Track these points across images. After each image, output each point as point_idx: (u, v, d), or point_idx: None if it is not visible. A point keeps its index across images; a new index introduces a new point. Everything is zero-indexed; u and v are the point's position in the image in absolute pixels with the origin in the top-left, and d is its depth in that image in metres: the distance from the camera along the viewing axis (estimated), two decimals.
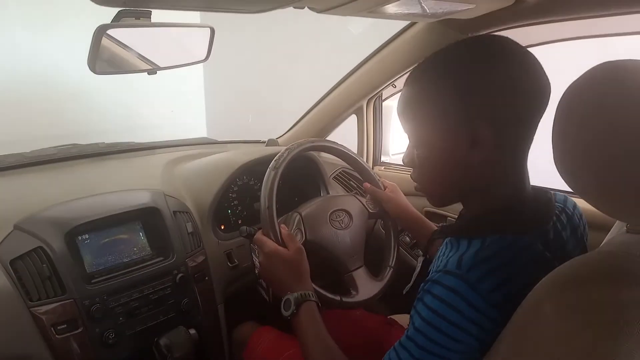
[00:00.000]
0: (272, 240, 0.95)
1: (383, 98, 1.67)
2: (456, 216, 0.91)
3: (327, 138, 1.68)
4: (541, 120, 0.68)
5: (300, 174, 1.41)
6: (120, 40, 0.98)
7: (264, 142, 1.78)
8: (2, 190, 1.17)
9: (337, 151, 1.17)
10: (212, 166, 1.36)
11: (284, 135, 1.80)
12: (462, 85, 0.65)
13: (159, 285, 1.05)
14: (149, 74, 1.07)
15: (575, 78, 0.57)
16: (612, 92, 0.53)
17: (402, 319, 1.21)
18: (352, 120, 1.69)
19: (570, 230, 0.75)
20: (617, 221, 0.74)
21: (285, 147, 1.05)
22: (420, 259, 0.99)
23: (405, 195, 1.18)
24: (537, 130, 0.69)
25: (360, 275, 1.08)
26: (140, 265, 1.05)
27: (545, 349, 0.52)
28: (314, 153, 1.42)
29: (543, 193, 0.73)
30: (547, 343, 0.52)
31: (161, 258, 1.09)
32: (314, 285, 0.93)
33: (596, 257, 0.58)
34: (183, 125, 4.09)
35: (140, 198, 1.12)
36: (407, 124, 0.74)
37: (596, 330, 0.49)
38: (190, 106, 4.49)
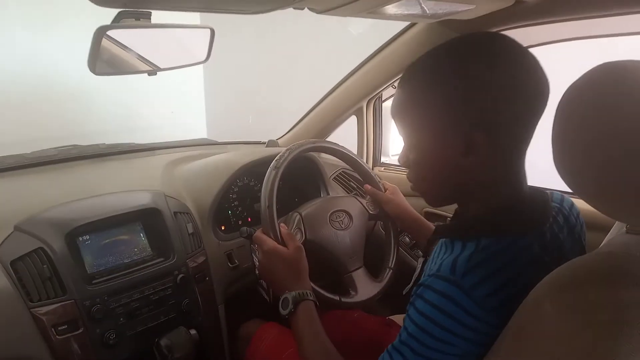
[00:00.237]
0: (272, 239, 0.95)
1: (383, 99, 1.67)
2: None
3: (327, 139, 1.68)
4: (541, 120, 0.67)
5: (301, 174, 1.41)
6: (120, 41, 0.99)
7: (264, 143, 1.78)
8: (3, 191, 1.17)
9: (338, 152, 1.17)
10: (213, 167, 1.36)
11: (284, 136, 1.80)
12: (456, 91, 0.63)
13: (160, 285, 1.05)
14: (149, 75, 1.07)
15: (575, 79, 0.57)
16: (612, 92, 0.53)
17: (401, 319, 1.20)
18: (351, 121, 1.69)
19: (567, 231, 0.74)
20: (617, 222, 0.74)
21: (286, 148, 1.05)
22: (421, 260, 0.99)
23: (405, 196, 1.18)
24: (538, 130, 0.68)
25: (360, 276, 1.08)
26: (141, 266, 1.05)
27: (545, 349, 0.52)
28: (314, 154, 1.42)
29: (540, 194, 0.72)
30: (547, 343, 0.52)
31: (162, 259, 1.09)
32: (313, 285, 0.93)
33: (596, 257, 0.58)
34: (183, 126, 4.10)
35: (141, 199, 1.12)
36: (400, 127, 0.73)
37: (596, 330, 0.49)
38: (190, 107, 4.50)
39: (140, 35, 1.00)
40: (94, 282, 0.97)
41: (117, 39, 0.97)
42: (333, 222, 1.09)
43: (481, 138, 0.63)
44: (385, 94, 1.63)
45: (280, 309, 0.88)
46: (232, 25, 3.47)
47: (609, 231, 0.76)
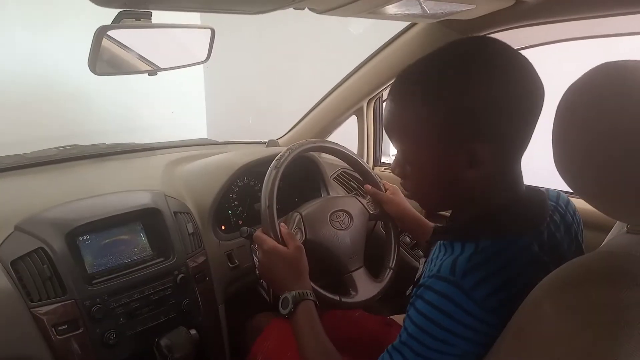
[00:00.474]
0: (272, 238, 0.95)
1: (383, 99, 1.67)
2: None
3: (327, 139, 1.68)
4: (541, 120, 0.67)
5: (301, 174, 1.41)
6: (121, 41, 0.99)
7: (264, 143, 1.78)
8: (3, 191, 1.17)
9: (338, 152, 1.17)
10: (213, 167, 1.36)
11: (285, 136, 1.80)
12: (453, 103, 0.62)
13: (160, 285, 1.05)
14: (149, 75, 1.07)
15: (575, 78, 0.57)
16: (613, 92, 0.53)
17: (402, 319, 1.20)
18: (351, 122, 1.69)
19: (564, 229, 0.74)
20: (617, 222, 0.74)
21: (286, 148, 1.05)
22: (422, 261, 0.99)
23: (405, 196, 1.18)
24: (538, 131, 0.68)
25: (360, 276, 1.08)
26: (141, 266, 1.05)
27: (545, 349, 0.52)
28: (315, 154, 1.42)
29: (537, 193, 0.72)
30: (547, 343, 0.52)
31: (162, 259, 1.09)
32: (313, 285, 0.93)
33: (596, 257, 0.58)
34: (183, 126, 4.09)
35: (141, 199, 1.12)
36: (395, 141, 0.71)
37: (596, 330, 0.49)
38: (190, 107, 4.49)
39: (140, 36, 1.00)
40: (94, 282, 0.97)
41: (118, 39, 0.97)
42: (333, 222, 1.09)
43: (484, 150, 0.62)
44: (385, 94, 1.63)
45: (280, 308, 0.88)
46: (232, 25, 3.47)
47: (609, 231, 0.76)
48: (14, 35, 3.27)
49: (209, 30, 1.10)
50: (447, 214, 1.37)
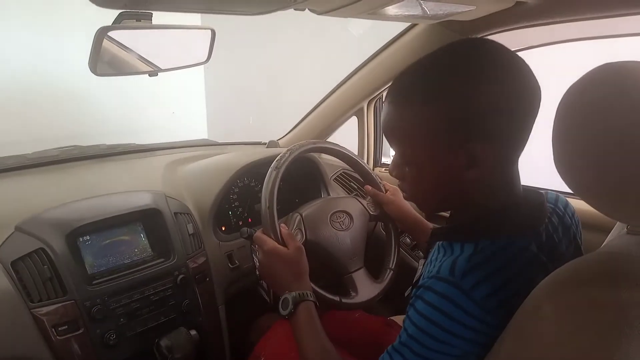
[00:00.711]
0: (272, 239, 0.95)
1: (384, 100, 1.66)
2: None
3: (328, 140, 1.68)
4: (541, 121, 0.67)
5: (301, 175, 1.41)
6: (121, 42, 0.99)
7: (264, 143, 1.78)
8: (3, 192, 1.17)
9: (339, 153, 1.17)
10: (213, 168, 1.36)
11: (285, 137, 1.80)
12: (450, 105, 0.62)
13: (160, 286, 1.05)
14: (149, 75, 1.07)
15: (575, 79, 0.57)
16: (613, 93, 0.53)
17: (402, 320, 1.20)
18: (351, 123, 1.69)
19: (563, 231, 0.74)
20: (618, 222, 0.74)
21: (286, 148, 1.05)
22: (422, 261, 0.99)
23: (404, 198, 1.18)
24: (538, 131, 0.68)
25: (360, 277, 1.08)
26: (141, 267, 1.05)
27: (545, 349, 0.52)
28: (315, 154, 1.42)
29: (535, 195, 0.72)
30: (547, 344, 0.52)
31: (162, 259, 1.09)
32: (313, 286, 0.93)
33: (596, 258, 0.58)
34: (184, 126, 4.10)
35: (141, 199, 1.12)
36: (393, 142, 0.71)
37: (596, 331, 0.49)
38: (191, 108, 4.50)
39: (141, 36, 1.00)
40: (94, 282, 0.97)
41: (118, 40, 0.97)
42: (334, 222, 1.09)
43: (484, 151, 0.62)
44: (385, 95, 1.62)
45: (281, 309, 0.88)
46: (233, 26, 3.48)
47: (609, 232, 0.76)
48: (15, 35, 3.28)
49: (209, 31, 1.10)
50: (447, 214, 1.38)
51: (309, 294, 0.88)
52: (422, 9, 0.95)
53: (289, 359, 1.06)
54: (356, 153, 1.23)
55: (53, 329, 0.90)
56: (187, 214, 1.18)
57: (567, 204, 0.78)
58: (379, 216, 1.18)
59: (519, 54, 0.64)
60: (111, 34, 0.92)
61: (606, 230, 0.76)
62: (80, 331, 0.93)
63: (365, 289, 1.06)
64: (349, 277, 1.07)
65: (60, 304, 0.91)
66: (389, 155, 1.82)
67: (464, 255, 0.64)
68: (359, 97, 1.57)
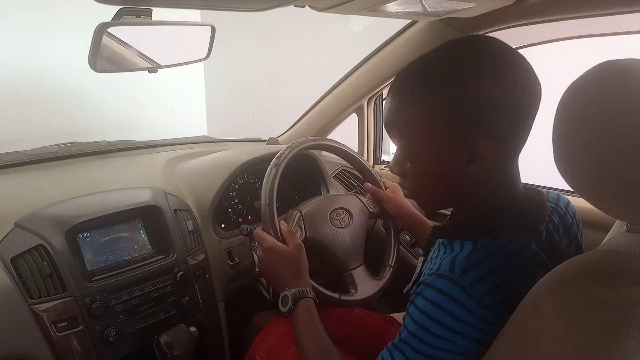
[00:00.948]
0: (272, 236, 0.95)
1: (384, 97, 1.66)
2: None
3: (328, 137, 1.68)
4: (541, 119, 0.67)
5: (301, 172, 1.41)
6: (121, 38, 0.98)
7: (264, 140, 1.78)
8: (3, 188, 1.17)
9: (339, 150, 1.17)
10: (213, 164, 1.36)
11: (285, 134, 1.80)
12: (453, 99, 0.62)
13: (160, 283, 1.05)
14: (149, 72, 1.07)
15: (575, 77, 0.57)
16: (613, 91, 0.53)
17: (402, 317, 1.20)
18: (350, 120, 1.68)
19: (563, 230, 0.74)
20: (617, 220, 0.74)
21: (286, 145, 1.05)
22: (421, 259, 0.99)
23: (404, 196, 1.18)
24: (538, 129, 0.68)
25: (360, 274, 1.08)
26: (141, 263, 1.05)
27: (544, 347, 0.52)
28: (315, 152, 1.42)
29: (536, 193, 0.72)
30: (547, 342, 0.52)
31: (162, 256, 1.09)
32: (312, 283, 0.93)
33: (596, 256, 0.58)
34: (183, 123, 4.09)
35: (141, 196, 1.12)
36: (395, 137, 0.71)
37: (596, 329, 0.49)
38: (190, 105, 4.49)
39: (140, 33, 1.00)
40: (94, 279, 0.97)
41: (118, 36, 0.97)
42: (333, 220, 1.09)
43: (484, 145, 0.63)
44: (386, 92, 1.62)
45: (280, 306, 0.88)
46: (233, 22, 3.47)
47: (609, 230, 0.76)
48: (15, 32, 3.27)
49: (209, 28, 1.10)
50: (447, 212, 1.38)
51: (308, 291, 0.89)
52: (423, 5, 0.94)
53: (286, 357, 1.06)
54: (356, 150, 1.23)
55: (53, 326, 0.90)
56: (187, 210, 1.17)
57: (568, 203, 0.78)
58: (379, 213, 1.18)
59: (520, 51, 0.65)
60: (111, 30, 0.92)
61: (606, 228, 0.76)
62: (80, 328, 0.93)
63: (365, 286, 1.06)
64: (349, 274, 1.07)
65: (59, 301, 0.91)
66: (388, 152, 1.82)
67: (463, 252, 0.64)
68: (359, 94, 1.57)
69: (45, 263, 0.92)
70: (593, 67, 0.56)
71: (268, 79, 3.96)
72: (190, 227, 1.15)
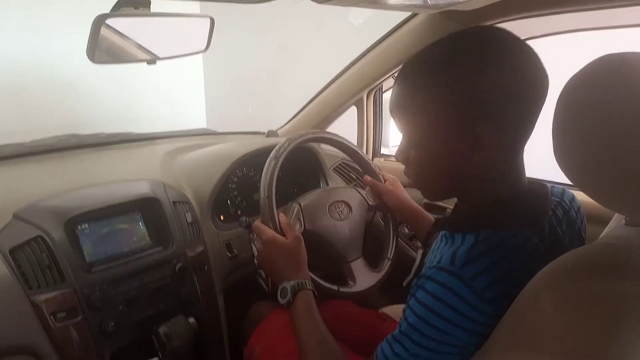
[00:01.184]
0: (271, 229, 0.95)
1: (383, 90, 1.66)
2: None
3: (327, 130, 1.68)
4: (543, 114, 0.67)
5: (300, 165, 1.41)
6: (119, 29, 0.98)
7: (263, 133, 1.78)
8: (1, 180, 1.17)
9: (338, 143, 1.17)
10: (212, 157, 1.36)
11: (284, 127, 1.79)
12: (459, 86, 0.62)
13: (159, 274, 1.05)
14: (148, 63, 1.07)
15: (576, 71, 0.57)
16: (613, 84, 0.53)
17: (397, 310, 1.21)
18: (349, 113, 1.68)
19: (567, 225, 0.74)
20: (616, 214, 0.74)
21: (286, 138, 1.05)
22: (420, 252, 1.00)
23: (404, 187, 1.18)
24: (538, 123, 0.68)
25: (358, 266, 1.08)
26: (140, 255, 1.05)
27: (542, 340, 0.52)
28: (314, 144, 1.42)
29: (539, 187, 0.72)
30: (545, 335, 0.52)
31: (160, 248, 1.09)
32: (311, 275, 0.94)
33: (594, 249, 0.58)
34: (182, 115, 4.08)
35: (140, 188, 1.12)
36: (401, 124, 0.71)
37: (594, 322, 0.50)
38: (189, 97, 4.48)
39: (139, 24, 1.00)
40: (93, 270, 0.98)
41: (116, 28, 0.96)
42: (332, 212, 1.09)
43: (489, 133, 0.63)
44: (385, 85, 1.62)
45: (279, 298, 0.88)
46: (232, 14, 3.45)
47: (607, 223, 0.76)
48: (13, 24, 3.25)
49: (208, 19, 1.09)
50: (446, 205, 1.38)
51: (307, 283, 0.89)
52: None
53: (284, 352, 1.06)
54: (355, 143, 1.23)
55: (52, 316, 0.90)
56: (186, 202, 1.17)
57: (573, 198, 0.78)
58: (378, 206, 1.18)
59: None
60: (109, 21, 0.91)
61: (604, 222, 0.76)
62: (79, 318, 0.93)
63: (364, 278, 1.07)
64: (347, 266, 1.07)
65: (58, 292, 0.91)
66: (388, 146, 1.81)
67: (465, 245, 0.64)
68: (358, 87, 1.56)
69: (44, 254, 0.92)
70: (593, 61, 0.56)
71: (268, 71, 3.94)
72: (189, 219, 1.15)
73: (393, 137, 1.84)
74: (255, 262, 1.04)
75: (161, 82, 3.96)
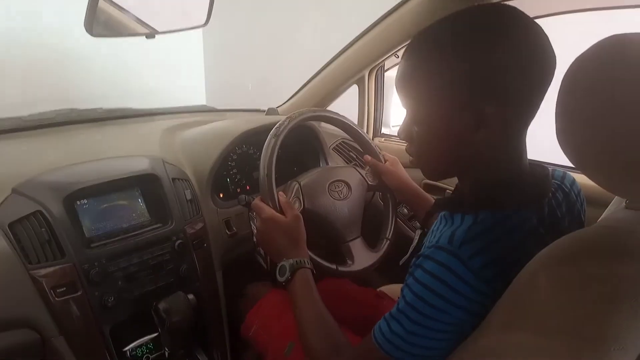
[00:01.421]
0: (270, 207, 0.95)
1: (385, 68, 1.64)
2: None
3: (328, 108, 1.66)
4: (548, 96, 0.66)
5: (300, 144, 1.40)
6: (118, 2, 0.96)
7: (263, 110, 1.76)
8: (0, 154, 1.16)
9: (338, 122, 1.16)
10: (211, 134, 1.35)
11: (284, 105, 1.78)
12: (467, 62, 0.62)
13: (158, 251, 1.06)
14: (147, 37, 1.05)
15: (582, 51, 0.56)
16: (618, 66, 0.52)
17: (396, 289, 1.22)
18: (350, 94, 1.66)
19: (566, 208, 0.74)
20: (616, 197, 0.74)
21: (286, 116, 1.04)
22: (418, 232, 1.00)
23: (404, 168, 1.18)
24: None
25: (357, 246, 1.09)
26: (139, 231, 1.05)
27: (538, 320, 0.53)
28: (314, 123, 1.41)
29: (540, 169, 0.72)
30: (541, 315, 0.53)
31: (160, 224, 1.09)
32: (310, 253, 0.94)
33: (594, 232, 0.58)
34: (182, 91, 4.05)
35: (139, 164, 1.11)
36: (406, 100, 0.71)
37: (590, 303, 0.50)
38: (189, 73, 4.44)
39: None
40: (92, 245, 0.98)
41: (115, 1, 0.95)
42: (332, 192, 1.09)
43: (492, 110, 0.62)
44: (387, 64, 1.60)
45: (278, 276, 0.89)
46: None
47: (607, 207, 0.76)
48: None
49: None
50: (446, 185, 1.38)
51: (306, 262, 0.89)
52: None
53: (280, 329, 1.08)
54: (356, 122, 1.22)
55: (51, 291, 0.91)
56: (185, 180, 1.17)
57: (573, 182, 0.78)
58: (378, 186, 1.18)
59: None
60: None
61: (605, 205, 0.76)
62: (79, 293, 0.94)
63: (362, 257, 1.07)
64: (346, 245, 1.08)
65: (58, 266, 0.92)
66: (389, 125, 1.80)
67: (463, 226, 0.64)
68: (360, 65, 1.54)
69: (43, 229, 0.92)
70: (598, 42, 0.54)
71: (268, 48, 3.90)
72: (189, 196, 1.15)
73: (394, 116, 1.83)
74: (255, 240, 1.04)
75: (161, 58, 3.91)
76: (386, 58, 1.50)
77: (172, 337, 1.05)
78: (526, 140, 0.70)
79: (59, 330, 0.92)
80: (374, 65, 1.55)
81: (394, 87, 0.73)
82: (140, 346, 1.07)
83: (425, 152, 0.73)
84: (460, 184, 0.77)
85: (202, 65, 4.57)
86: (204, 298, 1.15)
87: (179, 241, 1.09)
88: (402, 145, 1.56)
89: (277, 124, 1.02)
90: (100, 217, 1.02)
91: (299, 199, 1.05)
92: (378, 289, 1.26)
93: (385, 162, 1.18)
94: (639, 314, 0.49)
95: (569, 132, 0.57)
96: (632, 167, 0.52)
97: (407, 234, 1.42)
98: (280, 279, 0.88)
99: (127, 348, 1.05)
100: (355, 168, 1.18)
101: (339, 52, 1.56)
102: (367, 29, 1.45)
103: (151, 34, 1.05)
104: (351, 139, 1.23)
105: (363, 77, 1.60)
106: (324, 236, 1.07)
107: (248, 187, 1.37)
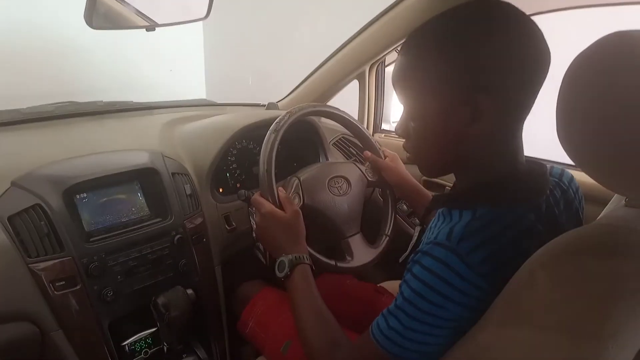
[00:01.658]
0: (270, 202, 0.95)
1: (386, 64, 1.64)
2: None
3: (328, 103, 1.66)
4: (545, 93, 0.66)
5: (300, 139, 1.40)
6: None
7: (263, 105, 1.76)
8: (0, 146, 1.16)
9: (338, 117, 1.16)
10: (211, 128, 1.34)
11: (285, 99, 1.77)
12: (462, 56, 0.63)
13: (157, 245, 1.06)
14: (147, 30, 1.05)
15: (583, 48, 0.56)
16: (620, 63, 0.52)
17: (395, 285, 1.22)
18: (350, 90, 1.66)
19: (564, 205, 0.74)
20: (615, 195, 0.74)
21: (286, 111, 1.04)
22: (417, 228, 1.00)
23: (404, 164, 1.18)
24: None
25: (356, 242, 1.09)
26: (139, 226, 1.05)
27: (536, 317, 0.53)
28: (315, 118, 1.41)
29: (538, 166, 0.72)
30: (540, 311, 0.53)
31: (159, 219, 1.09)
32: (309, 249, 0.94)
33: (593, 229, 0.58)
34: (182, 85, 4.03)
35: (139, 158, 1.11)
36: (402, 94, 0.72)
37: (588, 300, 0.50)
38: (189, 66, 4.42)
39: None
40: (91, 239, 0.98)
41: None
42: (331, 187, 1.09)
43: (487, 103, 0.63)
44: (388, 59, 1.60)
45: (277, 271, 0.89)
46: None
47: (606, 205, 0.76)
48: None
49: None
50: (445, 182, 1.38)
51: (305, 257, 0.89)
52: None
53: (276, 325, 1.08)
54: (356, 118, 1.22)
55: (51, 284, 0.91)
56: (185, 174, 1.17)
57: (572, 179, 0.78)
58: (377, 182, 1.18)
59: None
60: None
61: (604, 203, 0.76)
62: (78, 287, 0.94)
63: (361, 253, 1.07)
64: (345, 241, 1.08)
65: (57, 260, 0.92)
66: (389, 121, 1.80)
67: (461, 222, 0.64)
68: (360, 60, 1.54)
69: (42, 223, 0.92)
70: (600, 39, 0.54)
71: (269, 42, 3.88)
72: (188, 191, 1.15)
73: (394, 112, 1.82)
74: (254, 235, 1.04)
75: (161, 51, 3.89)
76: (387, 53, 1.50)
77: (170, 332, 1.05)
78: (522, 138, 0.70)
79: (58, 324, 0.93)
80: (374, 60, 1.54)
81: None
82: (139, 340, 1.07)
83: (422, 148, 0.73)
84: (457, 181, 0.77)
85: (203, 59, 4.55)
86: (203, 293, 1.15)
87: (178, 236, 1.09)
88: (402, 141, 1.56)
89: (277, 119, 1.01)
90: (100, 211, 1.02)
91: (299, 195, 1.05)
92: (377, 285, 1.26)
93: (385, 158, 1.17)
94: (637, 311, 0.49)
95: (569, 128, 0.57)
96: (632, 165, 0.52)
97: (407, 230, 1.42)
98: (279, 274, 0.88)
99: (126, 342, 1.05)
100: (355, 164, 1.18)
101: (340, 47, 1.55)
102: (368, 23, 1.44)
103: (151, 26, 1.05)
104: (351, 135, 1.23)
105: (364, 73, 1.60)
106: (324, 232, 1.07)
107: (248, 182, 1.36)
